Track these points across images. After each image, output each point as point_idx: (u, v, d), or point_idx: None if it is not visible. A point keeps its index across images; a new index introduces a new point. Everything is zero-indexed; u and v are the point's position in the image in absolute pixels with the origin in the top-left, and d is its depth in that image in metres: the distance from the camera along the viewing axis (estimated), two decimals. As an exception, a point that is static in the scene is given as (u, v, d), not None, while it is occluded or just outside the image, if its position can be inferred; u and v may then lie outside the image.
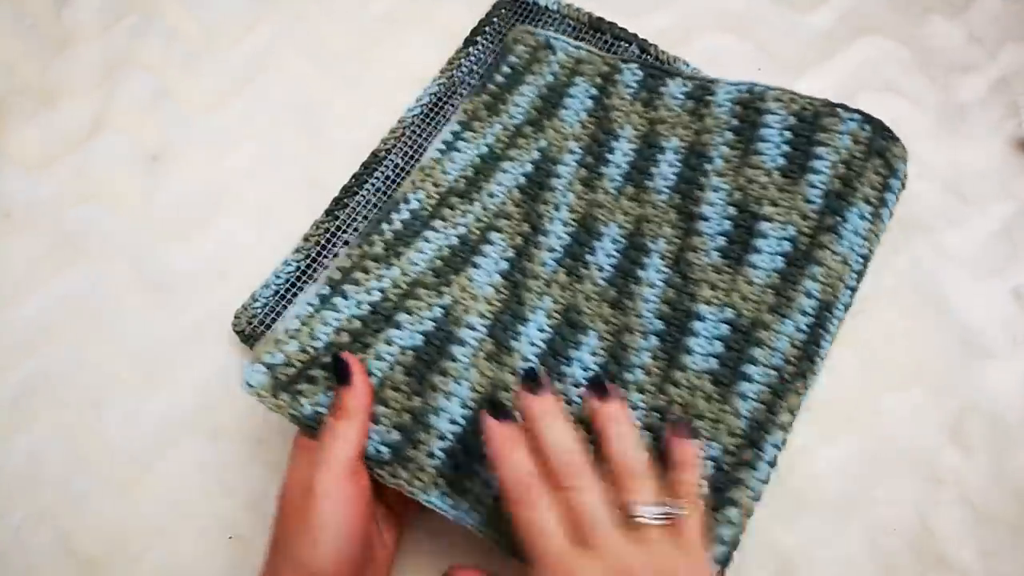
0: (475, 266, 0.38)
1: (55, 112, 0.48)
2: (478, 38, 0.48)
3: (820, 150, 0.39)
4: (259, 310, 0.41)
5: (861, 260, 0.38)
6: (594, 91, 0.42)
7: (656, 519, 0.29)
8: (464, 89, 0.47)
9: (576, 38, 0.48)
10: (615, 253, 0.39)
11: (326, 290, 0.36)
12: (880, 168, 0.39)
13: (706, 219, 0.39)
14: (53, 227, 0.45)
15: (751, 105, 0.41)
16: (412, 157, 0.45)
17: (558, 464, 0.29)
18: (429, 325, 0.36)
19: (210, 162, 0.46)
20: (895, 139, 0.40)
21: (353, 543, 0.30)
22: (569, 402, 0.36)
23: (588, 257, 0.39)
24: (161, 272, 0.43)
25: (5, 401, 0.41)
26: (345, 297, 0.36)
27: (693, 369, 0.36)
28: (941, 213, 0.44)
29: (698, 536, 0.29)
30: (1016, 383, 0.40)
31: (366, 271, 0.37)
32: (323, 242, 0.43)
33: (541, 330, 0.37)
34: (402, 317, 0.36)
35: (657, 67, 0.43)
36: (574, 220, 0.40)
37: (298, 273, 0.42)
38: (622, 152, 0.41)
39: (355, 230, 0.43)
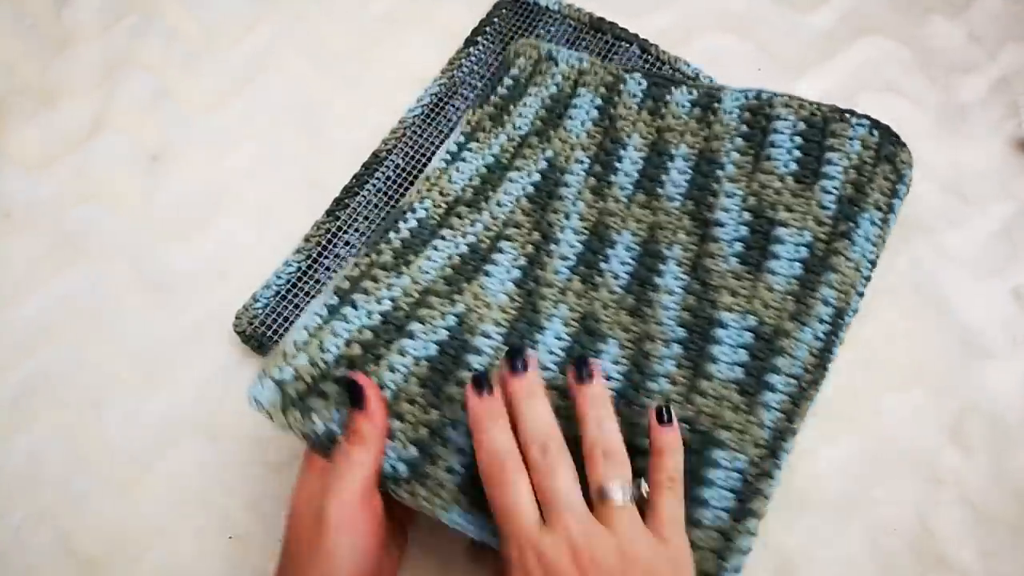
0: (487, 274, 0.38)
1: (55, 112, 0.48)
2: (479, 38, 0.48)
3: (831, 156, 0.39)
4: (260, 310, 0.41)
5: (870, 266, 0.38)
6: (599, 101, 0.42)
7: (628, 500, 0.29)
8: (465, 89, 0.47)
9: (577, 38, 0.48)
10: (630, 261, 0.39)
11: (334, 300, 0.35)
12: (889, 174, 0.39)
13: (722, 225, 0.38)
14: (53, 227, 0.45)
15: (760, 111, 0.41)
16: (413, 157, 0.45)
17: (534, 445, 0.30)
18: (443, 334, 0.35)
19: (210, 162, 0.46)
20: (903, 145, 0.40)
21: (365, 570, 0.30)
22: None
23: (603, 265, 0.39)
24: (161, 272, 0.43)
25: (5, 401, 0.41)
26: (355, 307, 0.35)
27: (719, 378, 0.35)
28: (941, 213, 0.44)
29: (675, 520, 0.30)
30: (1016, 383, 0.40)
31: (375, 280, 0.36)
32: (324, 242, 0.43)
33: (559, 338, 0.37)
34: (415, 327, 0.35)
35: (661, 76, 0.43)
36: (585, 228, 0.40)
37: (299, 274, 0.42)
38: (631, 160, 0.41)
39: (356, 230, 0.43)
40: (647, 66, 0.47)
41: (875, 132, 0.39)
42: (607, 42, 0.48)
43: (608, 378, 0.35)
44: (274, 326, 0.41)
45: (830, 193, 0.38)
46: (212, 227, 0.45)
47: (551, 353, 0.36)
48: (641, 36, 0.48)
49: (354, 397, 0.32)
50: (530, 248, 0.39)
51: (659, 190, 0.40)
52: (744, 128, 0.41)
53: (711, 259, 0.38)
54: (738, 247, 0.38)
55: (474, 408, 0.31)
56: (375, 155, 0.45)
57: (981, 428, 0.39)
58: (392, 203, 0.44)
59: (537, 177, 0.41)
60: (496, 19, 0.49)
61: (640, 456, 0.32)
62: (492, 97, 0.42)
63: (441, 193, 0.39)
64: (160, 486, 0.39)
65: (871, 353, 0.40)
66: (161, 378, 0.41)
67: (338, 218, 0.43)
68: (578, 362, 0.32)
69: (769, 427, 0.34)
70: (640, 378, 0.35)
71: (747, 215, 0.38)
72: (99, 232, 0.45)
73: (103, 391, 0.41)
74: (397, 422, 0.33)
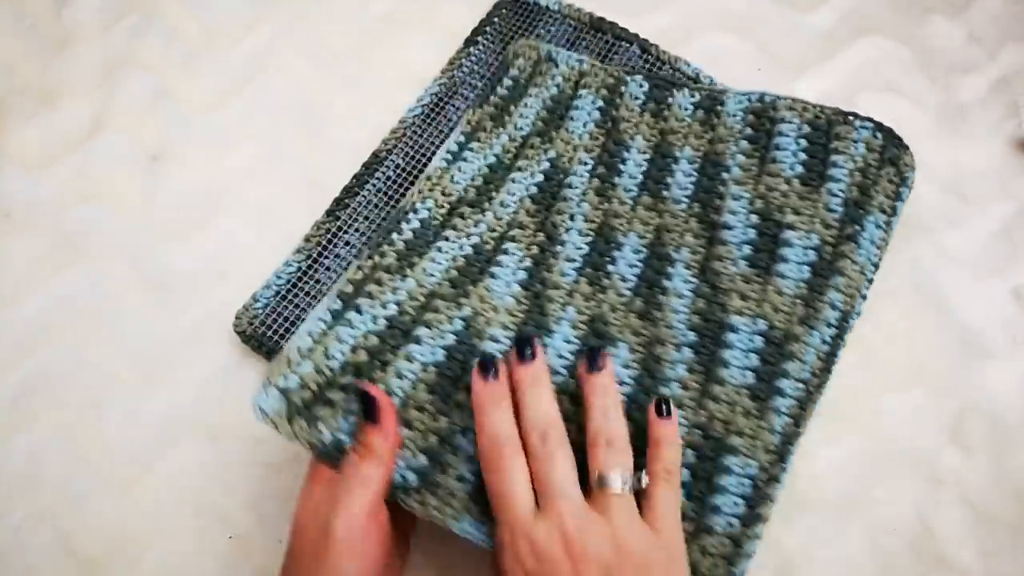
0: (492, 276, 0.37)
1: (55, 112, 0.48)
2: (479, 38, 0.48)
3: (837, 158, 0.39)
4: (260, 311, 0.41)
5: (873, 268, 0.38)
6: (601, 103, 0.42)
7: (626, 490, 0.29)
8: (465, 89, 0.47)
9: (577, 38, 0.48)
10: (638, 263, 0.38)
11: (338, 304, 0.34)
12: (893, 177, 0.39)
13: (730, 228, 0.38)
14: (53, 227, 0.45)
15: (764, 114, 0.41)
16: (413, 157, 0.45)
17: (535, 433, 0.30)
18: (451, 339, 0.34)
19: (210, 162, 0.46)
20: (905, 147, 0.40)
21: None
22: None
23: (610, 267, 0.38)
24: (161, 272, 0.43)
25: (5, 401, 0.41)
26: (359, 312, 0.34)
27: (731, 383, 0.35)
28: (941, 213, 0.44)
29: (671, 512, 0.30)
30: (1016, 383, 0.40)
31: (379, 283, 0.35)
32: (324, 242, 0.43)
33: (568, 341, 0.36)
34: (422, 331, 0.34)
35: (663, 78, 0.43)
36: (591, 230, 0.39)
37: (299, 274, 0.42)
38: (635, 163, 0.41)
39: (356, 230, 0.43)
40: (647, 66, 0.47)
41: (878, 135, 0.39)
42: (607, 42, 0.48)
43: (620, 383, 0.35)
44: (274, 326, 0.41)
45: (836, 196, 0.38)
46: (212, 227, 0.45)
47: (560, 357, 0.35)
48: (641, 36, 0.48)
49: (367, 410, 0.31)
50: (535, 249, 0.39)
51: (664, 192, 0.40)
52: (749, 131, 0.41)
53: (720, 262, 0.38)
54: (747, 250, 0.38)
55: (478, 392, 0.31)
56: (375, 155, 0.45)
57: (981, 428, 0.39)
58: (392, 203, 0.44)
59: (540, 178, 0.40)
60: (496, 19, 0.49)
61: (645, 457, 0.32)
62: (492, 97, 0.42)
63: (443, 193, 0.38)
64: (160, 486, 0.39)
65: (871, 353, 0.40)
66: (161, 378, 0.41)
67: (338, 218, 0.43)
68: (590, 353, 0.33)
69: (779, 432, 0.34)
70: (652, 383, 0.35)
71: (755, 217, 0.38)
72: (99, 232, 0.45)
73: (103, 391, 0.41)
74: (406, 430, 0.32)
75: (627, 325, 0.37)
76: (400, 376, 0.33)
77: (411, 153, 0.45)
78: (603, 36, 0.48)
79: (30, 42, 0.50)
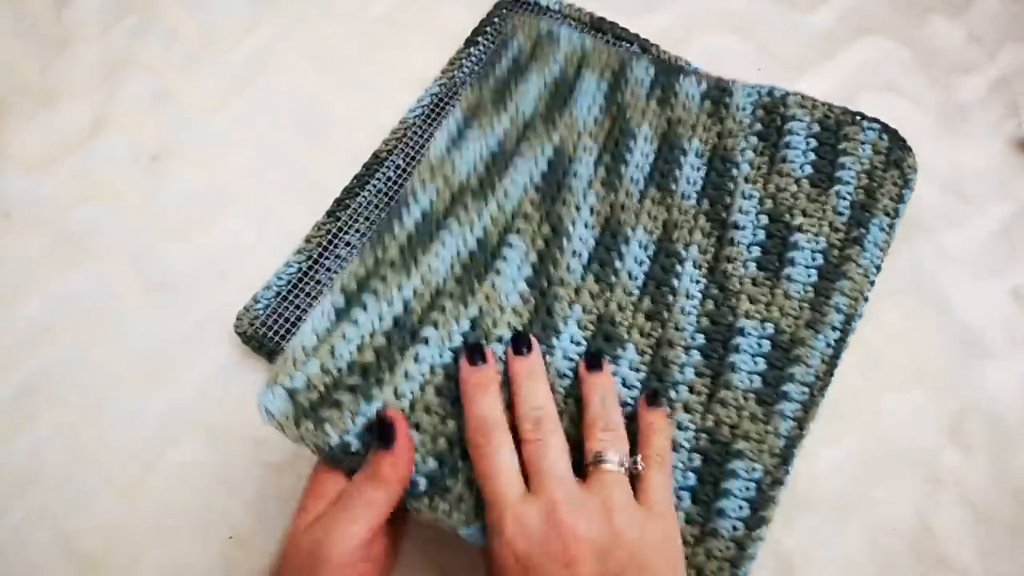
0: (498, 272, 0.35)
1: (55, 112, 0.48)
2: (479, 39, 0.48)
3: (845, 160, 0.39)
4: (261, 311, 0.41)
5: (876, 271, 0.38)
6: (605, 87, 0.41)
7: (622, 469, 0.30)
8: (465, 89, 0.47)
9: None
10: (646, 259, 0.37)
11: (342, 301, 0.32)
12: (896, 179, 0.39)
13: (740, 228, 0.38)
14: (54, 227, 0.45)
15: (775, 110, 0.40)
16: (414, 158, 0.45)
17: (528, 420, 0.30)
18: (458, 340, 0.33)
19: (211, 163, 0.46)
20: (909, 150, 0.40)
21: None
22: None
23: (618, 264, 0.37)
24: (162, 272, 0.43)
25: (6, 400, 0.41)
26: (365, 309, 0.32)
27: (739, 388, 0.35)
28: (941, 213, 0.44)
29: (663, 496, 0.30)
30: (1016, 383, 0.40)
31: (384, 279, 0.33)
32: (325, 243, 0.43)
33: (576, 342, 0.35)
34: (429, 332, 0.33)
35: (667, 64, 0.42)
36: (597, 223, 0.38)
37: (300, 274, 0.42)
38: (641, 152, 0.40)
39: (357, 231, 0.43)
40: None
41: (884, 136, 0.39)
42: (607, 42, 0.48)
43: (628, 386, 0.35)
44: (275, 327, 0.41)
45: (844, 199, 0.38)
46: (213, 227, 0.45)
47: (567, 359, 0.34)
48: (641, 36, 0.48)
49: (383, 434, 0.29)
50: (540, 243, 0.37)
51: (673, 186, 0.39)
52: (759, 126, 0.40)
53: (730, 263, 0.37)
54: (756, 252, 0.38)
55: (466, 378, 0.31)
56: (375, 156, 0.45)
57: (981, 428, 0.39)
58: (393, 204, 0.44)
59: (544, 166, 0.38)
60: (496, 19, 0.49)
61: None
62: (491, 75, 0.40)
63: (445, 180, 0.36)
64: (160, 486, 0.39)
65: (871, 353, 0.40)
66: (162, 378, 0.41)
67: (339, 219, 0.43)
68: (590, 356, 0.33)
69: (784, 436, 0.34)
70: (660, 386, 0.35)
71: (764, 219, 0.38)
72: (100, 232, 0.45)
73: (104, 391, 0.41)
74: (415, 433, 0.31)
75: (635, 325, 0.36)
76: (408, 377, 0.32)
77: (411, 154, 0.45)
78: (604, 36, 0.48)
79: (30, 42, 0.51)
